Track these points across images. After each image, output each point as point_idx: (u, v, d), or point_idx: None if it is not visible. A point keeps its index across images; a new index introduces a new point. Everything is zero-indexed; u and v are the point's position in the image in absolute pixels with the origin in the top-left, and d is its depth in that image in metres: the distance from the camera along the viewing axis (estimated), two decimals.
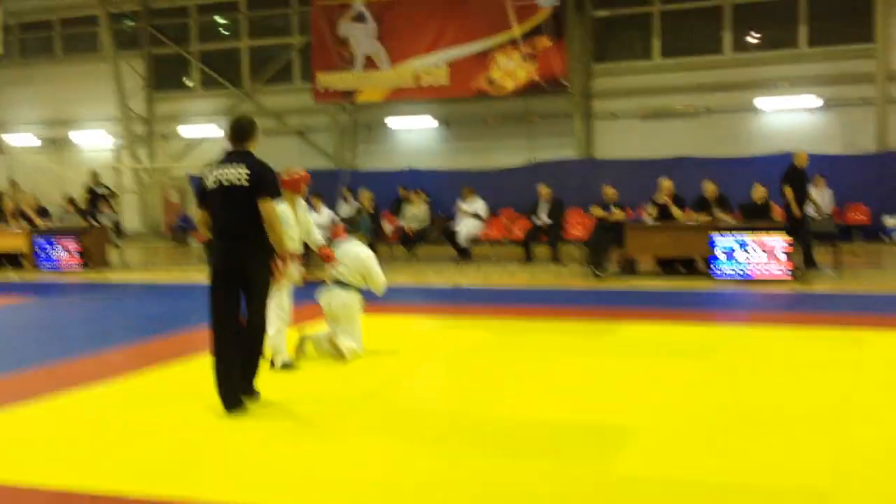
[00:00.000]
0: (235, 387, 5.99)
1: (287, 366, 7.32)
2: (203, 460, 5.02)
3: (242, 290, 6.03)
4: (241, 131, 6.13)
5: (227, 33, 25.23)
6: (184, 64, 25.41)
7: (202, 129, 24.86)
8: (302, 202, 7.69)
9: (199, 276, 15.83)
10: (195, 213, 6.29)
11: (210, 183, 6.02)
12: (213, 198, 6.00)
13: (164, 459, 5.03)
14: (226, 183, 5.93)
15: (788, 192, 13.40)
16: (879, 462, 4.66)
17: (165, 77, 25.72)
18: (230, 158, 6.05)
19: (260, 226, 5.91)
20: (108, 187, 19.71)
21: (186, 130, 25.11)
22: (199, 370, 7.47)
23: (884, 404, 5.88)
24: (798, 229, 13.05)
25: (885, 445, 4.95)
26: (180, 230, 23.34)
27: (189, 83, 25.56)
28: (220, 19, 25.23)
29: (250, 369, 6.18)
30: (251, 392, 6.18)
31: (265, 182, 5.94)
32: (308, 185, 7.82)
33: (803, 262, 13.26)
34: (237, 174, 5.90)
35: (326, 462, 4.92)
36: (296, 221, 7.41)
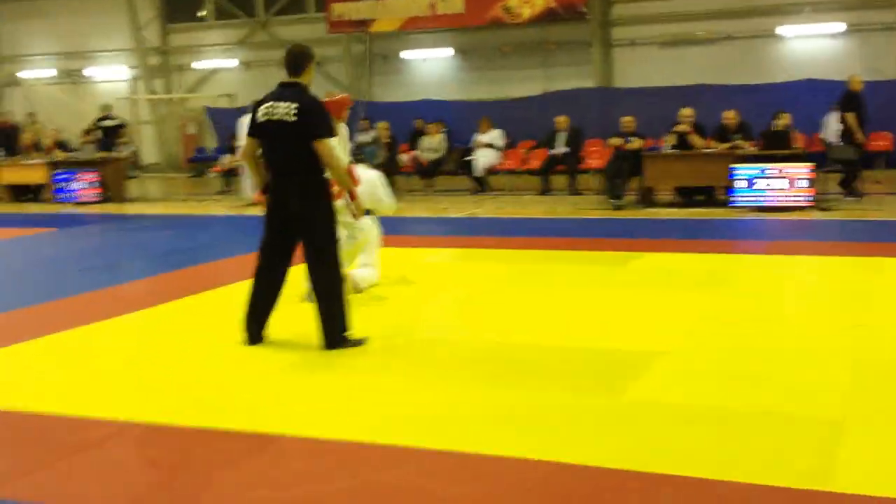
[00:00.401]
0: (259, 325, 5.87)
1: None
2: (221, 389, 5.09)
3: (301, 236, 5.70)
4: (293, 62, 5.75)
5: None
6: None
7: (217, 61, 24.69)
8: (344, 127, 7.19)
9: (218, 207, 15.89)
10: (244, 143, 5.95)
11: (260, 116, 5.68)
12: (264, 133, 5.67)
13: (182, 388, 5.10)
14: (275, 118, 5.57)
15: (851, 118, 13.25)
16: (892, 390, 4.66)
17: (179, 8, 25.45)
18: (281, 91, 5.68)
19: (314, 164, 5.58)
20: (118, 118, 19.68)
21: (201, 62, 24.93)
22: (221, 301, 7.54)
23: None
24: (856, 157, 13.02)
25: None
26: (198, 162, 23.33)
27: (203, 14, 25.29)
28: None
29: (335, 323, 5.70)
30: (346, 343, 5.72)
31: (317, 120, 5.58)
32: (350, 109, 7.38)
33: (849, 188, 13.16)
34: (286, 109, 5.55)
35: (343, 392, 4.98)
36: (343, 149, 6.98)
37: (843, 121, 13.44)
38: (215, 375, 5.34)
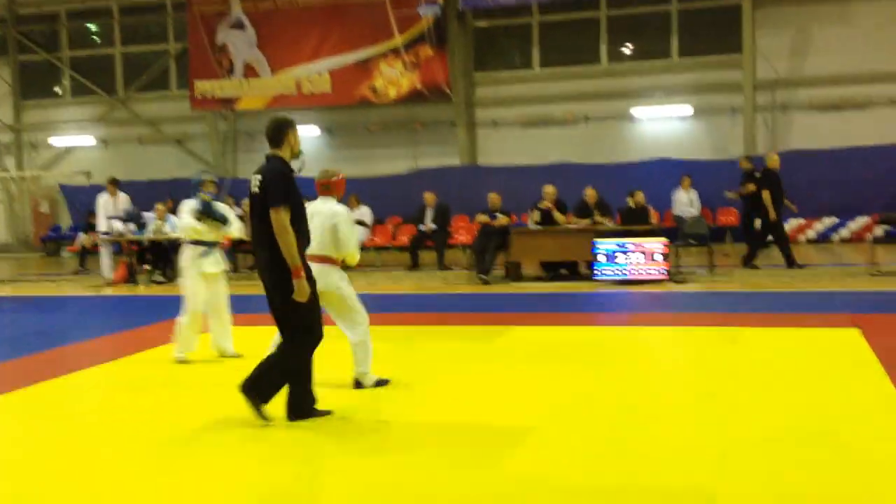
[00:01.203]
0: (301, 402, 5.79)
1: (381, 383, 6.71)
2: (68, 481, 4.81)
3: (276, 310, 5.65)
4: (269, 134, 5.75)
5: (98, 40, 24.43)
6: (54, 71, 24.47)
7: (74, 138, 23.97)
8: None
9: (73, 288, 15.23)
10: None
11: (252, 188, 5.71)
12: (250, 205, 5.71)
13: (37, 476, 4.80)
14: (252, 190, 5.59)
15: (766, 195, 13.91)
16: (760, 457, 4.83)
17: (34, 85, 24.72)
18: (262, 164, 5.72)
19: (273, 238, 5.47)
20: None
21: (58, 139, 24.16)
22: (73, 388, 7.18)
23: (761, 399, 6.11)
24: (775, 231, 13.61)
25: (764, 441, 5.13)
26: (52, 241, 22.41)
27: (59, 91, 24.61)
28: (91, 26, 24.40)
29: (260, 383, 5.65)
30: (257, 404, 5.62)
31: (271, 188, 5.49)
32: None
33: (786, 262, 13.78)
34: (256, 181, 5.58)
35: (207, 474, 4.79)
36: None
37: (751, 197, 14.15)
38: (63, 465, 5.04)
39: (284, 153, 5.69)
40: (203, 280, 8.04)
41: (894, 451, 4.81)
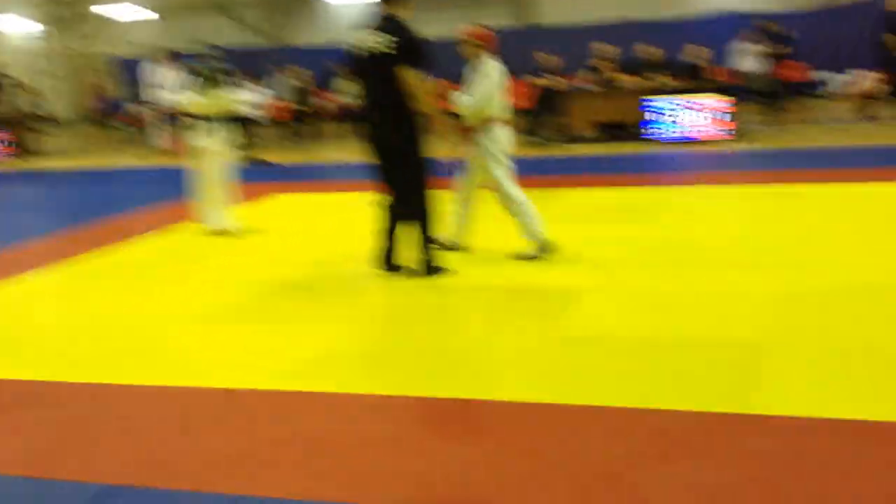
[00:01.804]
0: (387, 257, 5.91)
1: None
2: (131, 344, 4.91)
3: (397, 167, 5.66)
4: None
5: None
6: None
7: (126, 10, 23.80)
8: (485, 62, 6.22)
9: (127, 159, 15.40)
10: (344, 84, 5.97)
11: (357, 48, 5.56)
12: (357, 66, 5.61)
13: (97, 344, 4.92)
14: (374, 50, 5.43)
15: (892, 39, 13.25)
16: (811, 310, 4.72)
17: None
18: (377, 23, 5.51)
19: (404, 96, 5.43)
20: (8, 76, 18.91)
21: (110, 10, 24.00)
22: (139, 252, 7.31)
23: (819, 254, 5.95)
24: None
25: (817, 294, 5.01)
26: (106, 114, 22.60)
27: None
28: None
29: (432, 258, 5.82)
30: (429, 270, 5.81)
31: (414, 52, 5.42)
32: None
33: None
34: (382, 40, 5.40)
35: (274, 339, 4.85)
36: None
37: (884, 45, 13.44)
38: (127, 330, 5.15)
39: (405, 12, 5.53)
40: (215, 154, 7.79)
41: None
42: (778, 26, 14.45)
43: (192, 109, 7.80)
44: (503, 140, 6.22)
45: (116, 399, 4.07)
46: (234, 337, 4.89)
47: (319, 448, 3.40)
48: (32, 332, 5.21)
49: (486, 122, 6.16)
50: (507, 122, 6.29)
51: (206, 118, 7.77)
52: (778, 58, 13.64)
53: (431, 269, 5.81)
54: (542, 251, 6.24)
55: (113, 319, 5.39)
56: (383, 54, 5.37)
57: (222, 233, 7.79)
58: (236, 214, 8.03)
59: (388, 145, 5.60)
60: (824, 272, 5.46)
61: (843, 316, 4.59)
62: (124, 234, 8.10)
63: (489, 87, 6.07)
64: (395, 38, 5.35)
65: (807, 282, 5.27)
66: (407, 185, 5.70)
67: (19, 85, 18.47)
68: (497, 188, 6.24)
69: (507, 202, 6.23)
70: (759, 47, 15.94)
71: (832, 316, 4.60)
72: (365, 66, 5.52)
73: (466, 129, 6.26)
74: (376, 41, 5.41)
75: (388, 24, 5.45)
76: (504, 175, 6.22)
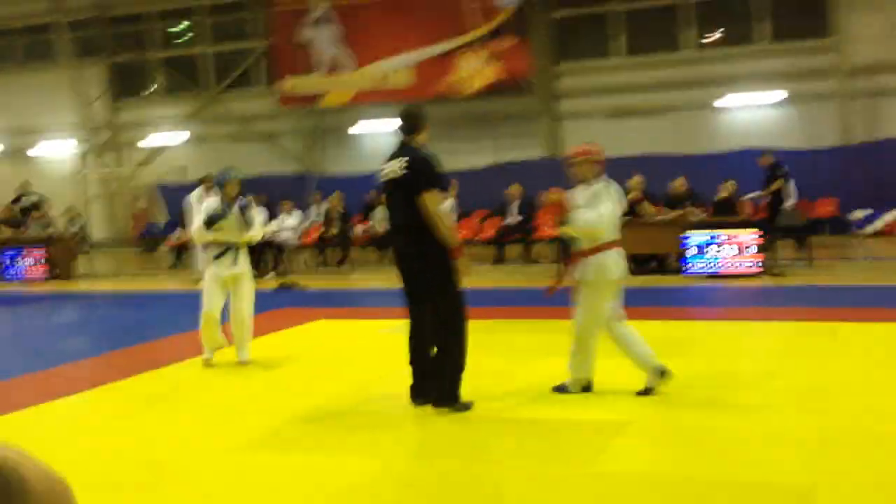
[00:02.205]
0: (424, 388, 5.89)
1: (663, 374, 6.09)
2: (174, 475, 4.93)
3: (424, 293, 5.83)
4: (405, 123, 6.01)
5: (187, 37, 25.01)
6: (145, 70, 25.15)
7: (167, 136, 24.61)
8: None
9: (170, 283, 15.66)
10: (380, 211, 6.11)
11: (381, 177, 5.94)
12: (385, 192, 6.01)
13: (128, 465, 4.94)
14: (390, 176, 5.81)
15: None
16: (859, 456, 4.67)
17: (128, 84, 25.44)
18: (396, 152, 5.92)
19: (423, 222, 5.66)
20: (37, 194, 19.50)
21: (151, 137, 24.84)
22: (175, 377, 7.37)
23: (861, 395, 5.91)
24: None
25: (861, 437, 4.97)
26: (149, 237, 23.09)
27: (151, 89, 25.29)
28: (179, 26, 25.02)
29: (451, 388, 5.81)
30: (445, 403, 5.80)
31: (421, 173, 5.72)
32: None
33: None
34: (398, 167, 5.76)
35: (314, 470, 4.85)
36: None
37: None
38: (161, 454, 5.17)
39: (420, 141, 5.90)
40: (219, 283, 7.69)
41: None
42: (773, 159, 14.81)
43: (207, 238, 7.71)
44: (613, 266, 6.02)
45: None
46: (261, 468, 4.89)
47: None
48: (56, 463, 5.24)
49: (597, 247, 5.98)
50: (612, 248, 6.06)
51: (224, 244, 7.65)
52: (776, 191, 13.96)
53: (456, 402, 5.77)
54: (661, 376, 5.98)
55: (138, 452, 5.40)
56: (401, 179, 5.70)
57: (244, 363, 7.70)
58: (250, 346, 7.87)
59: (413, 269, 5.79)
60: (868, 413, 5.42)
61: (893, 459, 4.53)
62: (159, 361, 8.17)
63: (610, 207, 5.98)
64: (406, 162, 5.70)
65: (849, 423, 5.23)
66: (435, 312, 5.77)
67: (44, 204, 18.93)
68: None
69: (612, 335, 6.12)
70: (790, 184, 16.19)
71: (880, 459, 4.55)
72: (389, 192, 5.89)
73: (575, 256, 6.13)
74: (393, 168, 5.78)
75: (404, 151, 5.86)
76: (603, 308, 6.04)
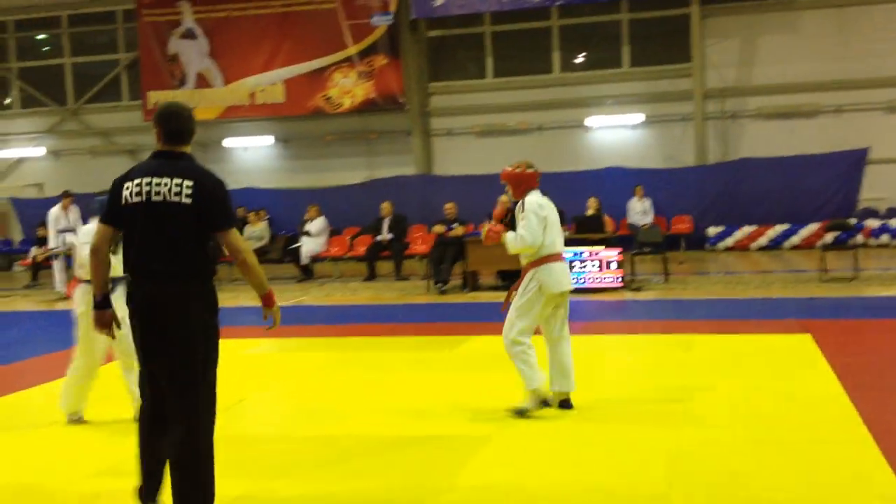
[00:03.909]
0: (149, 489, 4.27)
1: None
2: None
3: (166, 364, 4.08)
4: (178, 126, 4.21)
5: (47, 48, 24.07)
6: (2, 82, 24.06)
7: (24, 150, 23.58)
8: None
9: (25, 303, 14.97)
10: (98, 230, 4.21)
11: (130, 195, 4.09)
12: (133, 217, 4.08)
13: None
14: (155, 198, 4.05)
15: None
16: (713, 462, 4.90)
17: None
18: (162, 164, 4.14)
19: (205, 264, 4.13)
20: None
21: (7, 151, 23.74)
22: (32, 402, 7.06)
23: (712, 404, 6.20)
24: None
25: (714, 445, 5.22)
26: (2, 255, 22.05)
27: (8, 102, 24.20)
28: (40, 36, 24.06)
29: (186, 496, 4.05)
30: None
31: (218, 203, 4.11)
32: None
33: None
34: (174, 187, 4.04)
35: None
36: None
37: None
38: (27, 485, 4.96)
39: (189, 150, 4.27)
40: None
41: (844, 456, 4.92)
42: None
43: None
44: (549, 279, 6.02)
45: None
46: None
47: None
48: None
49: (538, 261, 6.02)
50: (555, 260, 6.09)
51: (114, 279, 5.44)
52: None
53: None
54: (538, 405, 5.99)
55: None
56: (181, 206, 4.03)
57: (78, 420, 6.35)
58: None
59: (169, 329, 4.04)
60: (722, 422, 5.69)
61: (745, 467, 4.77)
62: (15, 385, 7.83)
63: (534, 223, 5.97)
64: (192, 184, 4.06)
65: (706, 433, 5.47)
66: (182, 395, 4.09)
67: None
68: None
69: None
70: (647, 201, 16.90)
71: (734, 467, 4.77)
72: (143, 220, 4.09)
73: (523, 269, 6.12)
74: (166, 188, 4.07)
75: (180, 166, 4.13)
76: (523, 321, 6.03)
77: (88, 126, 22.93)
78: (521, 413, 5.98)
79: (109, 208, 4.18)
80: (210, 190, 4.08)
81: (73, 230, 15.28)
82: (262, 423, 6.39)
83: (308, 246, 16.77)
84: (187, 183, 4.05)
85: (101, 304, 4.23)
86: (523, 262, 6.17)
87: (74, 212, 15.58)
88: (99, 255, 4.19)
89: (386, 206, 16.57)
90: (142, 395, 4.28)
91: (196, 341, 4.06)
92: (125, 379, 6.15)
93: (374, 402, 6.64)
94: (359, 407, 6.51)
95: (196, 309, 4.07)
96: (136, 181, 4.10)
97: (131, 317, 4.15)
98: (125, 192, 4.11)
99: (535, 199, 6.15)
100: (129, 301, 4.14)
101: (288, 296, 14.36)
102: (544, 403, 6.05)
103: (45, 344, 9.81)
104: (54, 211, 15.53)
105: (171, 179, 4.06)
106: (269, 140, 22.30)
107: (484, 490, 4.56)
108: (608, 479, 4.67)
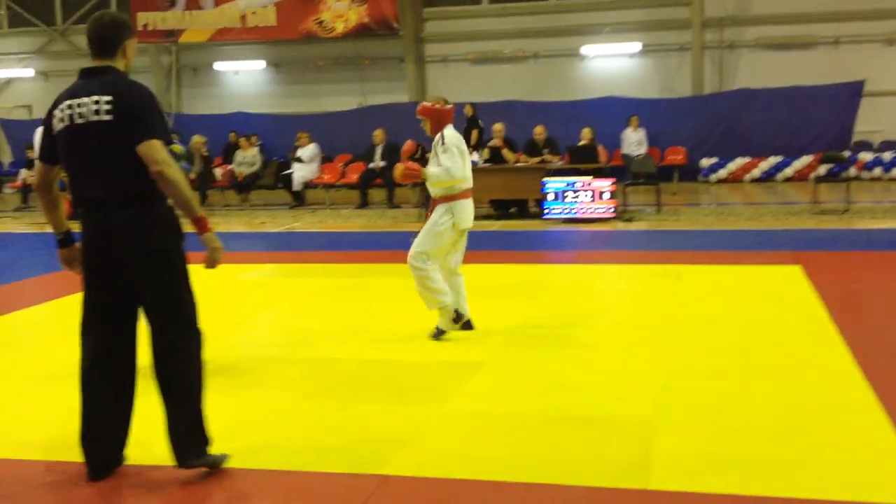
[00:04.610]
0: (105, 449, 3.92)
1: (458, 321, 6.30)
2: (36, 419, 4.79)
3: (137, 296, 3.85)
4: (102, 37, 3.90)
5: None
6: None
7: (11, 71, 23.24)
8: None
9: (15, 224, 14.93)
10: (35, 170, 4.05)
11: (56, 123, 3.83)
12: (64, 147, 3.81)
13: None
14: (79, 121, 3.76)
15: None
16: (700, 389, 4.98)
17: None
18: (86, 82, 3.84)
19: (143, 186, 3.75)
20: None
21: None
22: (23, 323, 7.10)
23: (702, 333, 6.27)
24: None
25: (702, 372, 5.29)
26: None
27: None
28: None
29: (189, 417, 3.88)
30: (202, 452, 3.90)
31: (141, 113, 3.76)
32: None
33: None
34: (94, 105, 3.74)
35: None
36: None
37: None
38: (29, 405, 5.01)
39: (120, 66, 3.92)
40: None
41: (830, 384, 4.99)
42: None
43: None
44: (462, 214, 6.23)
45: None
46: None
47: None
48: None
49: (455, 195, 6.21)
50: (467, 196, 6.31)
51: None
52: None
53: (209, 457, 3.94)
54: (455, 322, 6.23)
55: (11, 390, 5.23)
56: (102, 125, 3.73)
57: None
58: None
59: (126, 262, 3.79)
60: (710, 351, 5.76)
61: (732, 395, 4.84)
62: (14, 304, 7.85)
63: (453, 158, 6.09)
64: (110, 99, 3.75)
65: (695, 361, 5.55)
66: (161, 331, 3.88)
67: None
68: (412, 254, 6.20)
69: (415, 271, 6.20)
70: (641, 131, 16.82)
71: (721, 395, 4.85)
72: (74, 145, 3.80)
73: (433, 202, 6.28)
74: (87, 108, 3.77)
75: (102, 82, 3.82)
76: (431, 247, 6.18)
77: (77, 47, 22.54)
78: (439, 334, 6.21)
79: (43, 142, 3.92)
80: (131, 102, 3.75)
81: None
82: (258, 345, 6.43)
83: (300, 172, 16.68)
84: (105, 98, 3.73)
85: (63, 242, 3.99)
86: (435, 194, 6.29)
87: None
88: (43, 195, 3.95)
89: (379, 134, 16.46)
90: (86, 342, 3.88)
91: (161, 270, 3.79)
92: None
93: (368, 328, 6.69)
94: (354, 332, 6.55)
95: (155, 235, 3.78)
96: (60, 106, 3.82)
97: (84, 254, 3.87)
98: (54, 122, 3.84)
99: (454, 133, 6.27)
100: (81, 236, 3.86)
101: (280, 222, 14.36)
102: (457, 317, 6.25)
103: (35, 267, 9.80)
104: (41, 131, 15.38)
105: (90, 98, 3.75)
106: (260, 64, 22.01)
107: (473, 414, 4.63)
108: (597, 404, 4.74)
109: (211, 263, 3.90)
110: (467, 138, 15.81)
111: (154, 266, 3.79)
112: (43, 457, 4.21)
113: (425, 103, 6.41)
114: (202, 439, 3.91)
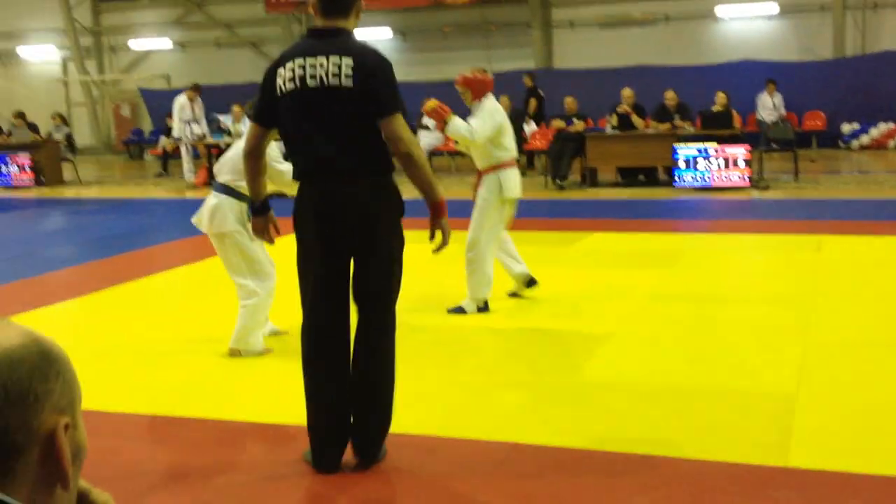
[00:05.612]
0: (340, 443, 3.65)
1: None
2: (172, 380, 5.00)
3: (353, 272, 3.64)
4: None
5: None
6: None
7: (151, 41, 24.16)
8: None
9: (156, 191, 15.61)
10: (249, 132, 3.74)
11: (284, 83, 3.52)
12: (292, 109, 3.53)
13: (135, 378, 5.01)
14: (312, 83, 3.47)
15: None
16: (840, 364, 4.78)
17: None
18: (317, 42, 3.55)
19: (380, 158, 3.57)
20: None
21: (135, 42, 24.38)
22: (165, 286, 7.42)
23: (843, 306, 6.01)
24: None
25: (845, 347, 5.08)
26: (134, 144, 22.93)
27: None
28: None
29: (375, 421, 3.66)
30: (373, 455, 3.66)
31: (385, 83, 3.50)
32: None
33: None
34: (333, 67, 3.45)
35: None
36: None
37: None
38: (164, 365, 5.24)
39: (351, 28, 3.62)
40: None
41: None
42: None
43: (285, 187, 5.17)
44: (509, 183, 6.26)
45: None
46: (251, 371, 4.98)
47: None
48: None
49: (499, 165, 6.24)
50: (512, 166, 6.35)
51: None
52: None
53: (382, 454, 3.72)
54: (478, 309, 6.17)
55: (126, 349, 5.48)
56: (342, 90, 3.47)
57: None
58: None
59: (356, 233, 3.59)
60: (850, 325, 5.52)
61: (872, 372, 4.64)
62: (153, 267, 8.21)
63: (486, 122, 6.06)
64: (352, 62, 3.48)
65: (836, 334, 5.33)
66: (372, 308, 3.73)
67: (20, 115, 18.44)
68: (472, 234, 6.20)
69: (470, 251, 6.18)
70: (778, 96, 16.14)
71: (861, 371, 4.65)
72: (308, 107, 3.54)
73: (478, 173, 6.33)
74: (324, 69, 3.49)
75: (338, 43, 3.55)
76: (485, 229, 6.19)
77: (212, 18, 23.23)
78: (457, 310, 6.15)
79: (261, 103, 3.62)
80: (374, 69, 3.46)
81: (197, 121, 15.78)
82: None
83: (426, 140, 16.77)
84: (347, 62, 3.42)
85: (260, 210, 3.80)
86: (481, 165, 6.27)
87: (199, 104, 16.01)
88: (252, 160, 3.67)
89: (504, 100, 16.34)
90: (312, 315, 3.62)
91: (386, 248, 3.60)
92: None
93: (494, 296, 6.68)
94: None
95: (384, 210, 3.58)
96: (288, 65, 3.49)
97: (309, 222, 3.55)
98: (279, 81, 3.51)
99: (493, 103, 6.23)
100: (302, 205, 3.58)
101: (407, 190, 14.49)
102: (530, 282, 6.45)
103: (172, 231, 10.22)
104: (181, 99, 15.97)
105: (328, 58, 3.43)
106: (386, 32, 22.18)
107: (605, 386, 4.58)
108: (735, 378, 4.61)
109: (440, 248, 3.82)
110: (526, 107, 15.67)
111: (381, 241, 3.60)
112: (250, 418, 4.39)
113: (465, 74, 6.40)
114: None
